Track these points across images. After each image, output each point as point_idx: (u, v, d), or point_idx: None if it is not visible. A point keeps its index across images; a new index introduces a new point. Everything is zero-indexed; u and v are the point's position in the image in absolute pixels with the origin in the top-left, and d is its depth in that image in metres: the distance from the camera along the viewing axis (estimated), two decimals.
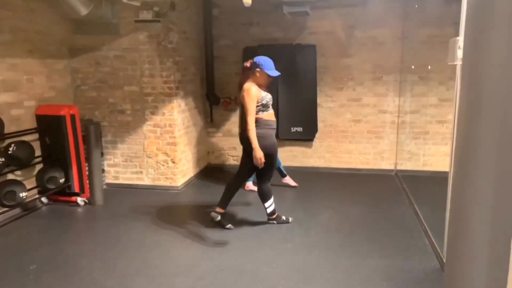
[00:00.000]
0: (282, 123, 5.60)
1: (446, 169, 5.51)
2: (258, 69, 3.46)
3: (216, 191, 4.91)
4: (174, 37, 4.82)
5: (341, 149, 5.64)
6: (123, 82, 4.96)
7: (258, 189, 3.74)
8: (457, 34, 5.13)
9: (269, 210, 3.80)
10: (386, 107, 5.49)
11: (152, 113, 4.97)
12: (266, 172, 3.62)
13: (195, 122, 5.65)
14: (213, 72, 5.78)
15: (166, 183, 5.09)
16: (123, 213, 4.26)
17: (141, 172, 5.15)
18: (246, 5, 3.73)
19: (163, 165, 5.07)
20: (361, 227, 3.79)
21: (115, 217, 4.16)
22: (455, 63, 2.69)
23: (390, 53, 5.35)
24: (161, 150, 5.04)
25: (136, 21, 4.66)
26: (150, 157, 5.08)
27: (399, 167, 5.56)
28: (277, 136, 3.78)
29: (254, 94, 3.41)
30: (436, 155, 5.52)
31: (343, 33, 5.41)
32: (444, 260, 2.96)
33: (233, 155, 6.09)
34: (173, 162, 5.04)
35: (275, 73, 3.49)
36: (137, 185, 5.16)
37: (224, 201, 3.83)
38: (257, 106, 3.46)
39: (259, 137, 3.42)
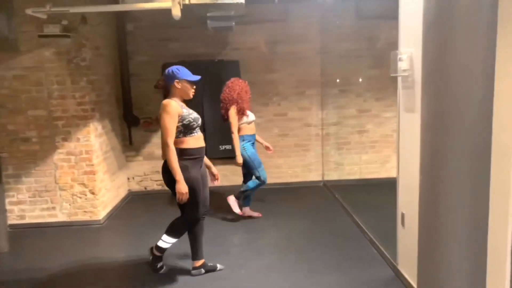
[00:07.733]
0: (210, 141, 5.37)
1: (370, 176, 5.80)
2: (176, 80, 2.88)
3: (143, 221, 4.49)
4: (87, 53, 4.32)
5: (271, 164, 5.59)
6: (26, 105, 4.28)
7: (179, 219, 3.02)
8: (370, 48, 5.50)
9: (161, 244, 3.04)
10: (310, 121, 5.61)
11: (64, 140, 4.37)
12: (189, 212, 2.95)
13: (113, 147, 5.12)
14: (130, 91, 5.34)
15: (85, 217, 4.49)
16: (36, 259, 3.61)
17: (53, 207, 4.46)
18: (176, 18, 3.49)
19: (80, 197, 4.46)
20: (310, 242, 3.72)
21: (27, 265, 3.50)
22: (397, 74, 2.77)
23: (311, 68, 5.49)
24: (77, 180, 4.43)
25: (40, 36, 4.12)
26: (64, 190, 4.44)
27: (326, 178, 5.69)
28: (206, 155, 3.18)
29: (174, 111, 2.79)
30: (359, 164, 5.79)
31: (266, 48, 5.43)
32: (399, 267, 3.02)
33: (156, 180, 5.66)
34: (92, 193, 4.47)
35: (195, 77, 2.93)
36: (50, 223, 4.45)
37: (195, 251, 3.13)
38: (176, 128, 2.82)
39: (180, 168, 2.80)
